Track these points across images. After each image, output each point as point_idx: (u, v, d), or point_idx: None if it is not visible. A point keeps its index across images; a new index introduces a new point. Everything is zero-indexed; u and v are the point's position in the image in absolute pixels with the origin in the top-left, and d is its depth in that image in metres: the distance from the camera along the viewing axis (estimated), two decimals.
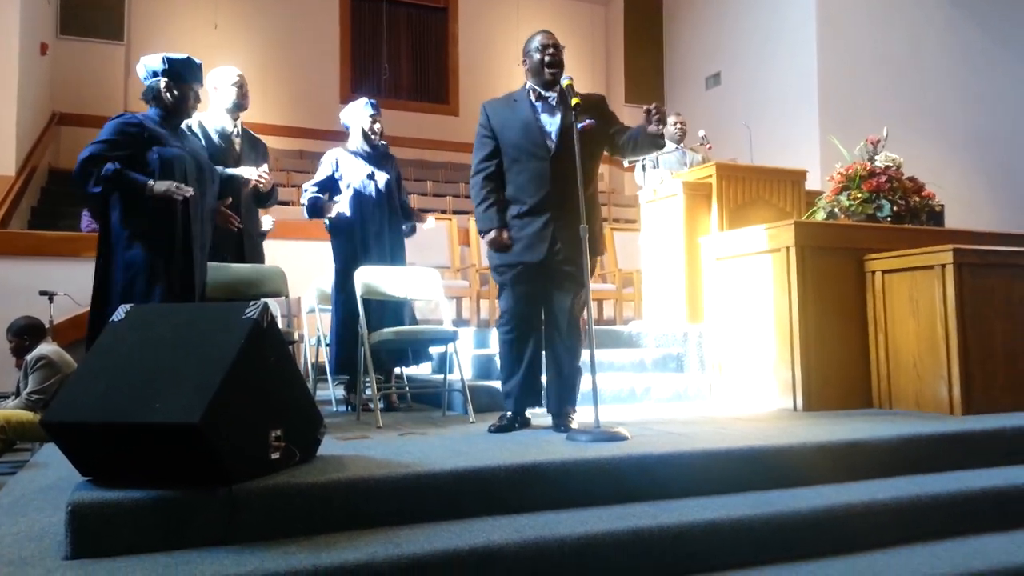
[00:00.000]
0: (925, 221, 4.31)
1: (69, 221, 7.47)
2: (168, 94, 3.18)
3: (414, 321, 4.25)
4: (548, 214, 3.20)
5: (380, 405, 3.68)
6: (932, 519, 2.58)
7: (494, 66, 11.65)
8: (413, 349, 4.16)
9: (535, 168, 3.21)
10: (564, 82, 3.22)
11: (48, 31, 9.21)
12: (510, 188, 3.28)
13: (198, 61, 3.30)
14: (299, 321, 5.33)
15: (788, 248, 3.86)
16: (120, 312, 2.43)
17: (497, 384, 3.65)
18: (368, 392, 3.71)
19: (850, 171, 4.36)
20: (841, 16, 9.04)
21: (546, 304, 3.30)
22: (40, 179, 8.81)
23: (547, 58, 3.25)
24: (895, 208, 4.22)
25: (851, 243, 3.98)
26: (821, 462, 2.78)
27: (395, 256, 4.11)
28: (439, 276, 4.03)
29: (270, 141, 9.74)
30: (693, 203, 4.85)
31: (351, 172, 4.08)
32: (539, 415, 3.42)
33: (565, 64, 3.31)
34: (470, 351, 4.58)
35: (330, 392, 4.44)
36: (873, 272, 3.93)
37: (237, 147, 3.97)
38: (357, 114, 4.16)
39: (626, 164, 8.28)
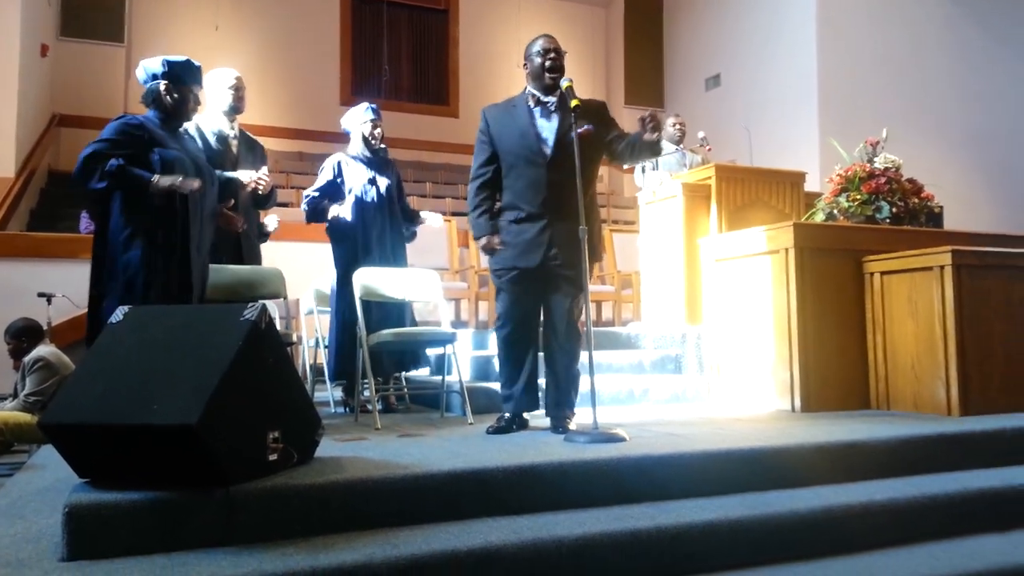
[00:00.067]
0: (924, 222, 4.32)
1: (68, 223, 7.47)
2: (168, 97, 3.19)
3: (414, 324, 4.25)
4: (544, 220, 3.20)
5: (378, 407, 3.68)
6: (930, 520, 2.58)
7: (494, 68, 11.67)
8: (411, 353, 4.17)
9: (531, 174, 3.22)
10: (564, 84, 3.21)
11: (49, 32, 9.21)
12: (508, 194, 3.29)
13: (197, 64, 3.30)
14: (297, 323, 5.34)
15: (787, 249, 3.86)
16: (118, 314, 2.44)
17: (495, 386, 3.65)
18: (366, 393, 3.71)
19: (849, 173, 4.36)
20: (841, 17, 9.04)
21: (544, 308, 3.30)
22: (39, 181, 8.82)
23: (548, 63, 3.25)
24: (894, 210, 4.22)
25: (850, 245, 3.98)
26: (819, 463, 2.78)
27: (396, 261, 4.11)
28: (438, 278, 4.03)
29: (270, 143, 9.75)
30: (692, 205, 4.85)
31: (353, 177, 4.09)
32: (537, 417, 3.42)
33: (566, 68, 3.31)
34: (468, 353, 4.59)
35: (328, 394, 4.44)
36: (872, 273, 3.93)
37: (234, 149, 3.97)
38: (358, 119, 4.16)
39: (625, 166, 8.30)
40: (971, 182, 9.21)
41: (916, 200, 4.30)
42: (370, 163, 4.14)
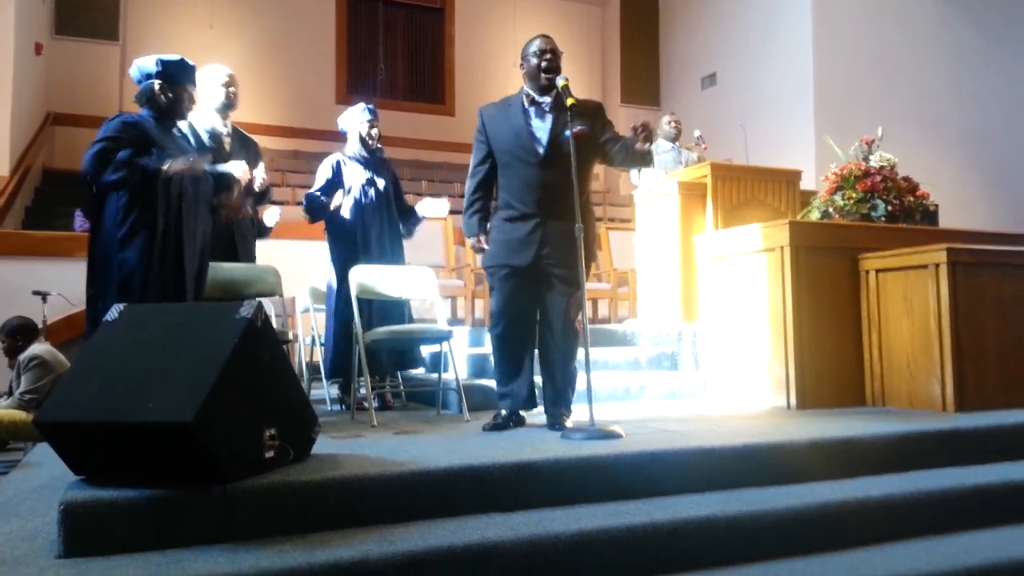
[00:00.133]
0: (919, 220, 4.33)
1: (63, 221, 7.45)
2: (162, 96, 3.19)
3: (411, 322, 4.25)
4: (537, 219, 3.22)
5: (374, 404, 3.68)
6: (925, 515, 2.59)
7: (490, 67, 11.66)
8: (408, 352, 4.17)
9: (525, 174, 3.23)
10: (560, 82, 3.21)
11: (43, 31, 9.19)
12: (502, 192, 3.31)
13: (191, 63, 3.30)
14: (293, 320, 5.33)
15: (783, 247, 3.86)
16: (113, 312, 2.43)
17: (492, 383, 3.65)
18: (363, 391, 3.71)
19: (845, 171, 4.37)
20: (837, 16, 9.06)
21: (540, 306, 3.31)
22: (34, 179, 8.79)
23: (544, 63, 3.25)
24: (889, 208, 4.23)
25: (845, 242, 3.99)
26: (815, 459, 2.79)
27: (395, 260, 4.12)
28: (434, 275, 4.04)
29: (266, 141, 9.74)
30: (688, 203, 4.85)
31: (351, 177, 4.09)
32: (534, 414, 3.43)
33: (562, 67, 3.32)
34: (464, 350, 4.59)
35: (324, 391, 4.43)
36: (867, 271, 3.94)
37: (227, 147, 3.95)
38: (355, 120, 4.17)
39: (617, 169, 8.29)
40: (966, 182, 9.23)
41: (911, 198, 4.31)
42: (367, 163, 4.14)
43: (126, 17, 10.02)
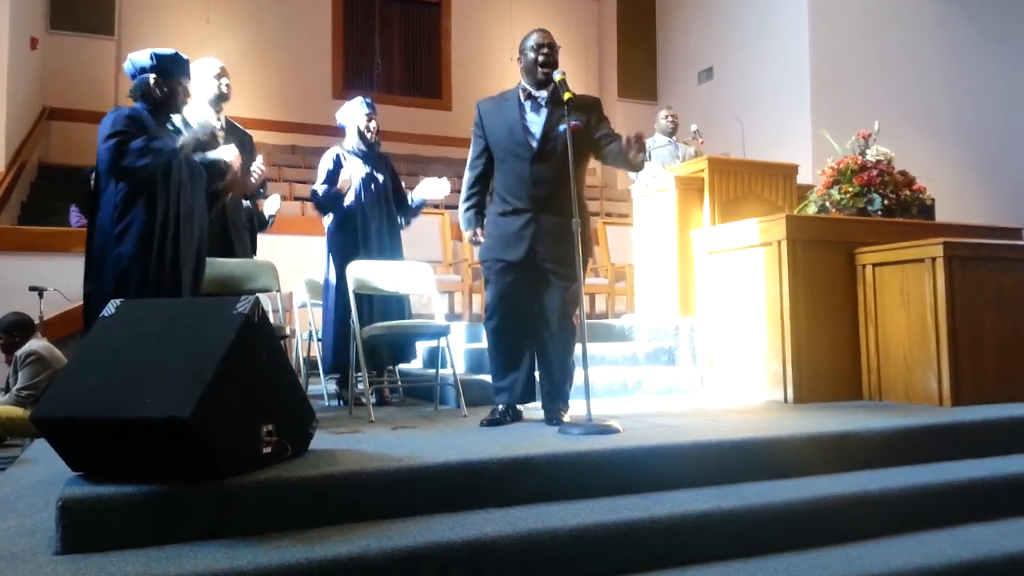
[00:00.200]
0: (916, 215, 4.33)
1: (59, 217, 7.44)
2: (157, 90, 3.19)
3: (410, 317, 4.25)
4: (529, 214, 3.22)
5: (372, 400, 3.68)
6: (922, 509, 2.60)
7: (487, 61, 11.64)
8: (403, 346, 4.17)
9: (518, 168, 3.24)
10: (557, 76, 3.20)
11: (38, 25, 9.15)
12: (497, 186, 3.33)
13: (185, 56, 3.30)
14: (291, 316, 5.33)
15: (779, 242, 3.87)
16: (110, 307, 2.43)
17: (490, 378, 3.65)
18: (360, 386, 3.71)
19: (841, 165, 4.37)
20: (833, 11, 9.05)
21: (536, 301, 3.30)
22: (30, 174, 8.76)
23: (541, 57, 3.24)
24: (886, 202, 4.23)
25: (842, 237, 3.99)
26: (812, 453, 2.79)
27: (393, 255, 4.11)
28: (431, 271, 4.04)
29: (262, 136, 9.72)
30: (685, 197, 4.85)
31: (351, 171, 4.09)
32: (531, 409, 3.43)
33: (559, 62, 3.31)
34: (462, 345, 4.59)
35: (322, 387, 4.43)
36: (864, 265, 3.94)
37: (221, 140, 3.94)
38: (353, 113, 4.16)
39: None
40: (963, 178, 9.24)
41: (908, 192, 4.32)
42: (366, 157, 4.13)
43: (122, 11, 9.98)
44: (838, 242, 3.97)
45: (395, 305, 4.04)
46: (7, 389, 4.61)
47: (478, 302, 6.34)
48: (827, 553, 2.33)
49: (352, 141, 4.15)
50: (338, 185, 4.02)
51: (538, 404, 3.37)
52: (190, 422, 1.97)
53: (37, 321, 5.17)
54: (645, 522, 2.24)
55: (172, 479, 2.07)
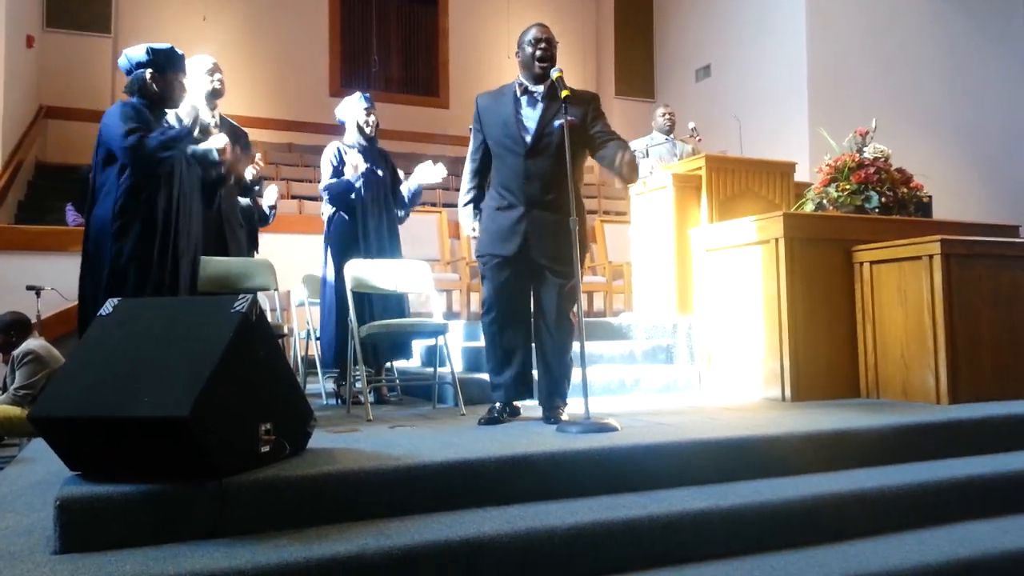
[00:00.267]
0: (913, 212, 4.33)
1: (56, 215, 7.42)
2: (153, 85, 3.19)
3: (408, 315, 4.25)
4: (522, 209, 3.21)
5: (370, 398, 3.68)
6: (919, 507, 2.60)
7: (484, 59, 11.62)
8: (400, 345, 4.17)
9: (512, 163, 3.24)
10: (554, 74, 3.20)
11: (34, 23, 9.12)
12: (493, 181, 3.34)
13: (180, 51, 3.30)
14: (289, 314, 5.32)
15: (777, 239, 3.87)
16: (107, 306, 2.42)
17: (487, 376, 3.65)
18: (358, 385, 3.71)
19: (839, 163, 4.37)
20: (831, 8, 9.05)
21: (534, 298, 3.31)
22: (27, 173, 8.74)
23: (538, 52, 3.24)
24: (883, 199, 4.23)
25: (839, 234, 4.00)
26: (809, 451, 2.80)
27: (392, 252, 4.12)
28: (429, 269, 4.03)
29: (259, 134, 9.71)
30: (683, 195, 4.85)
31: (350, 166, 4.08)
32: (529, 407, 3.43)
33: (557, 59, 3.31)
34: (460, 344, 4.59)
35: (320, 385, 4.43)
36: (861, 263, 3.95)
37: None
38: (352, 109, 4.16)
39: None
40: (961, 177, 9.24)
41: (905, 190, 4.32)
42: (366, 152, 4.13)
43: (118, 9, 9.95)
44: (835, 240, 3.97)
45: (394, 303, 4.04)
46: (4, 388, 4.61)
47: (476, 300, 6.35)
48: (825, 551, 2.33)
49: (352, 136, 4.16)
50: (346, 174, 4.02)
51: (536, 402, 3.37)
52: (188, 421, 1.97)
53: (34, 320, 5.16)
54: (643, 520, 2.24)
55: (170, 478, 2.06)
